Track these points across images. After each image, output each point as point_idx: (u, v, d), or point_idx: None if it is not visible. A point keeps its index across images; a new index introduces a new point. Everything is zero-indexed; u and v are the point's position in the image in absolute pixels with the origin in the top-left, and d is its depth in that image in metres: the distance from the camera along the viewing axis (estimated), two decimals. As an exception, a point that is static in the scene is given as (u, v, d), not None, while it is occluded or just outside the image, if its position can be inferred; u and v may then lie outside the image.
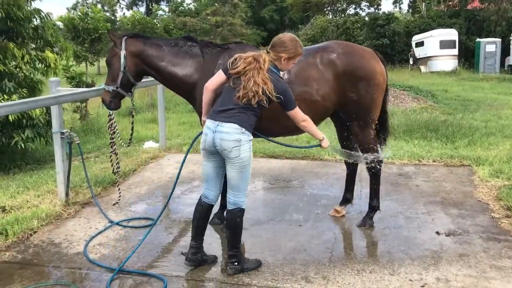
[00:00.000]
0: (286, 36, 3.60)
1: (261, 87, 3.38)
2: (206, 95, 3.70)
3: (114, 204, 5.32)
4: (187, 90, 4.36)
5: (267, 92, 3.40)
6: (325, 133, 4.09)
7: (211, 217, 4.74)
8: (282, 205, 5.28)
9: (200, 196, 3.82)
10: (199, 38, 4.78)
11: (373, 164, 4.48)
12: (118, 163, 5.33)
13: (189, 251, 3.83)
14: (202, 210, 3.81)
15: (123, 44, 4.29)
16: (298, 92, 4.09)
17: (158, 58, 4.32)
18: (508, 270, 3.70)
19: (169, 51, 4.33)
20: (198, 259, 3.83)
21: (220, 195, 4.74)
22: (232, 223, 3.73)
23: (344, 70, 4.18)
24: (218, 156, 3.60)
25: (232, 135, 3.45)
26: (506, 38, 27.50)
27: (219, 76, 3.62)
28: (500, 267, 3.76)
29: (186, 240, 4.38)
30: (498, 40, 26.37)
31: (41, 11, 8.42)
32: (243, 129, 3.47)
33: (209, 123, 3.55)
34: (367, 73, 4.22)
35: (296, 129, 4.25)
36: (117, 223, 4.79)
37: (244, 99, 3.42)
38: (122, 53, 4.28)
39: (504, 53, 26.90)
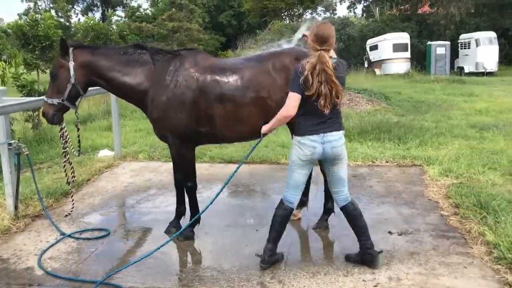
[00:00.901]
0: (326, 26, 3.59)
1: (334, 89, 3.49)
2: (284, 121, 3.71)
3: (66, 215, 5.17)
4: (139, 98, 4.30)
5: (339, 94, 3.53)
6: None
7: (167, 226, 4.72)
8: (239, 210, 5.28)
9: (282, 202, 3.91)
10: (156, 44, 4.72)
11: None
12: (73, 172, 5.18)
13: (266, 254, 3.89)
14: (286, 214, 3.91)
15: (71, 55, 4.17)
16: (251, 98, 4.14)
17: (108, 68, 4.24)
18: (455, 266, 3.84)
19: (119, 60, 4.26)
20: (273, 260, 3.93)
21: (178, 203, 4.73)
22: (353, 216, 3.95)
23: None
24: (313, 164, 3.85)
25: (341, 140, 3.71)
26: (455, 41, 28.70)
27: (296, 99, 3.52)
28: (448, 263, 3.89)
29: (142, 250, 4.32)
30: (447, 43, 27.47)
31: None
32: (343, 130, 3.76)
33: (313, 137, 3.62)
34: None
35: (249, 135, 4.32)
36: (69, 235, 4.65)
37: (330, 105, 3.53)
38: (71, 64, 4.16)
39: (453, 55, 28.06)
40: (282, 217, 3.89)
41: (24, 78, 10.30)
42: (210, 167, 7.18)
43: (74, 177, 5.10)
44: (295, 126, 3.73)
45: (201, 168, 6.99)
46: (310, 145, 3.63)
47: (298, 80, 3.47)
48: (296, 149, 3.68)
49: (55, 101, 4.23)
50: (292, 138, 3.84)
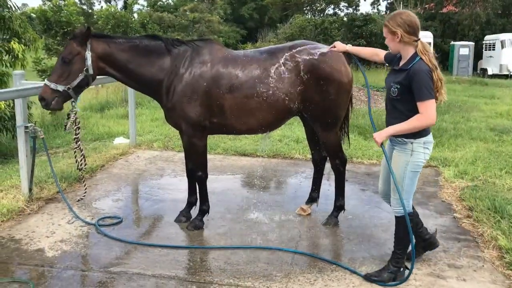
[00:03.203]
0: (411, 13, 3.43)
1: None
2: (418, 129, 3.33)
3: (79, 200, 5.23)
4: (154, 88, 4.31)
5: None
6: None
7: (177, 215, 4.76)
8: (250, 203, 5.27)
9: (410, 214, 3.60)
10: (176, 34, 4.68)
11: (337, 162, 4.55)
12: (83, 159, 5.18)
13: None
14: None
15: (89, 44, 4.08)
16: (261, 91, 4.14)
17: (126, 60, 4.18)
18: (464, 269, 3.78)
19: (136, 51, 4.21)
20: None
21: (190, 193, 4.78)
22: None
23: (308, 70, 4.20)
24: None
25: None
26: (479, 42, 28.17)
27: (435, 106, 3.24)
28: (458, 266, 3.84)
29: (152, 237, 4.34)
30: (471, 43, 26.97)
31: (8, 0, 8.21)
32: None
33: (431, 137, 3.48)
34: (331, 74, 4.22)
35: (258, 128, 4.33)
36: (94, 224, 4.62)
37: None
38: (89, 54, 4.06)
39: (477, 56, 27.54)
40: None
41: (44, 63, 10.46)
42: (223, 159, 7.19)
43: (86, 163, 5.09)
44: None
45: (214, 160, 7.02)
46: (432, 142, 3.47)
47: (432, 83, 3.22)
48: (422, 150, 3.39)
49: (60, 87, 4.04)
50: (400, 142, 3.43)
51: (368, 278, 3.62)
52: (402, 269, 3.64)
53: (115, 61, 4.20)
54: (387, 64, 3.82)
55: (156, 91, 4.31)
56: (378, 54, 3.93)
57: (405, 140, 3.39)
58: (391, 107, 3.47)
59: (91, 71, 4.10)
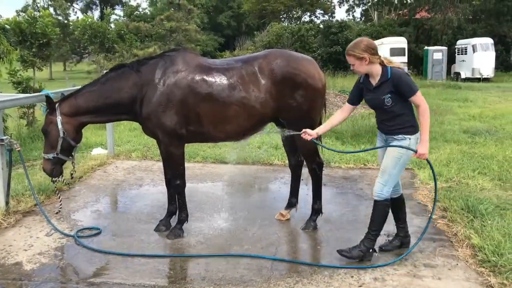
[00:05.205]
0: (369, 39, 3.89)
1: None
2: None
3: (57, 212, 5.18)
4: (129, 108, 4.36)
5: None
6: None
7: (156, 224, 4.76)
8: (229, 209, 5.30)
9: (387, 200, 3.96)
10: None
11: (314, 166, 4.63)
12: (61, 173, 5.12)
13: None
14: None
15: (57, 109, 4.30)
16: (237, 99, 4.19)
17: (95, 101, 4.33)
18: (439, 268, 3.89)
19: (103, 89, 4.35)
20: None
21: (169, 202, 4.79)
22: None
23: (283, 77, 4.28)
24: None
25: None
26: (452, 47, 28.81)
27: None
28: (433, 265, 3.94)
29: (131, 247, 4.33)
30: (444, 48, 27.58)
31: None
32: None
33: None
34: (306, 80, 4.32)
35: (236, 135, 4.38)
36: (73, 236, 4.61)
37: None
38: (58, 119, 4.28)
39: (450, 61, 28.17)
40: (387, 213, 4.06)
41: (20, 75, 10.30)
42: (202, 167, 7.22)
43: (63, 176, 5.05)
44: (410, 123, 3.81)
45: (194, 168, 7.04)
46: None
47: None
48: (415, 145, 3.80)
49: (50, 155, 4.38)
50: (400, 138, 3.82)
51: (340, 252, 4.01)
52: (371, 250, 4.02)
53: (83, 111, 4.36)
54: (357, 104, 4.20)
55: (132, 109, 4.36)
56: (344, 110, 4.17)
57: (405, 136, 3.80)
58: (386, 115, 3.85)
59: (61, 134, 4.31)
